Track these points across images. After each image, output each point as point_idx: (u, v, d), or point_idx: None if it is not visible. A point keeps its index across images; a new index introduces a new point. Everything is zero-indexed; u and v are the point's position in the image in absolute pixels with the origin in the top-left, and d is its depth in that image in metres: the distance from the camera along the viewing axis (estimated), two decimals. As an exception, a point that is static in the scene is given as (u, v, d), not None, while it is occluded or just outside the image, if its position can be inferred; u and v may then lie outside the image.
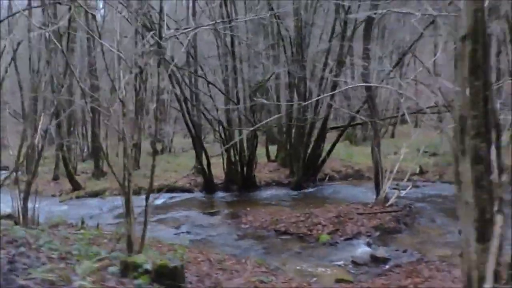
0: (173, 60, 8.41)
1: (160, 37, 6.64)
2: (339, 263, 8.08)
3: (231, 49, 13.68)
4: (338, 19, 13.61)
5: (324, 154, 15.52)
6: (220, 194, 15.41)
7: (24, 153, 10.42)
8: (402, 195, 11.50)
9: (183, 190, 15.92)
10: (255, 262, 7.84)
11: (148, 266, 3.79)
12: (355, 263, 7.97)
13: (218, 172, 16.54)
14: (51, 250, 5.60)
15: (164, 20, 6.67)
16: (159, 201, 14.77)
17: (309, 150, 15.00)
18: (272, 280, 6.66)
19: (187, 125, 15.48)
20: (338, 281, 7.11)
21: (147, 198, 7.07)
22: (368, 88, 11.64)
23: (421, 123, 27.72)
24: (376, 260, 8.06)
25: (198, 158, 15.48)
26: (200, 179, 16.44)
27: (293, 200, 13.65)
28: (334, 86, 13.49)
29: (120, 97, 6.76)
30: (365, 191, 14.27)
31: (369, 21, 11.57)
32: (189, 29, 6.76)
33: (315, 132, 15.41)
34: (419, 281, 6.75)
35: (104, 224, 11.31)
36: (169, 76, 15.11)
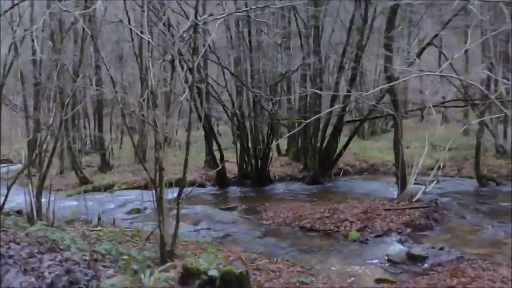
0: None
1: (195, 25, 6.18)
2: (374, 261, 7.69)
3: (248, 39, 13.20)
4: (358, 9, 13.13)
5: (338, 148, 15.11)
6: (233, 188, 14.98)
7: (35, 145, 9.97)
8: (427, 190, 11.11)
9: (194, 184, 15.41)
10: (287, 261, 7.46)
11: (214, 273, 3.34)
12: (392, 262, 7.59)
13: (230, 166, 16.11)
14: (81, 251, 5.18)
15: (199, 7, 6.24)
16: (170, 196, 14.31)
17: (324, 144, 14.57)
18: (312, 281, 6.28)
19: (199, 117, 14.99)
20: (379, 281, 6.73)
21: (179, 194, 6.67)
22: (390, 80, 11.22)
23: (427, 117, 27.53)
24: (413, 258, 7.68)
25: (210, 151, 15.02)
26: (212, 173, 16.02)
27: (311, 195, 13.24)
28: (353, 77, 13.08)
29: (149, 87, 6.33)
30: (384, 186, 13.90)
31: (393, 10, 11.13)
32: (224, 15, 6.30)
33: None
34: (466, 281, 6.38)
35: (118, 219, 10.89)
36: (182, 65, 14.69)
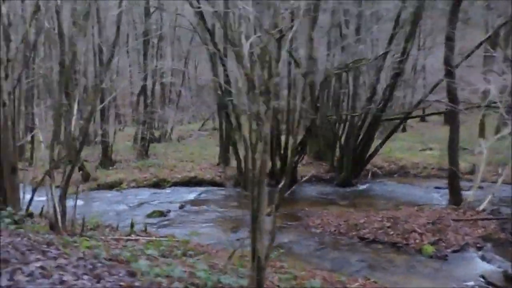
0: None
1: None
2: (470, 283, 6.58)
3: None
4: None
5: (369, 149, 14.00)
6: (256, 189, 13.66)
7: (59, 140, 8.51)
8: (489, 198, 10.06)
9: (212, 183, 14.16)
10: (373, 281, 6.29)
11: None
12: (492, 285, 6.49)
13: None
14: (167, 278, 3.89)
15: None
16: (190, 196, 13.01)
17: (359, 143, 13.44)
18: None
19: (219, 110, 13.67)
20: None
21: (281, 196, 5.25)
22: (449, 74, 10.18)
23: (428, 118, 26.70)
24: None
25: (234, 148, 13.71)
26: (229, 172, 14.71)
27: (347, 199, 12.06)
28: (398, 73, 11.99)
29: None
30: (425, 190, 12.87)
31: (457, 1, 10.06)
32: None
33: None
34: None
35: (140, 223, 9.54)
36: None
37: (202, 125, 31.58)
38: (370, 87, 12.90)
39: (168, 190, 13.71)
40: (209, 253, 6.85)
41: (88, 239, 5.96)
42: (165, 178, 14.40)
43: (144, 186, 14.34)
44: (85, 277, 2.66)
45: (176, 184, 14.14)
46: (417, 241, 8.11)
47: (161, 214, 10.64)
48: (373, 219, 9.27)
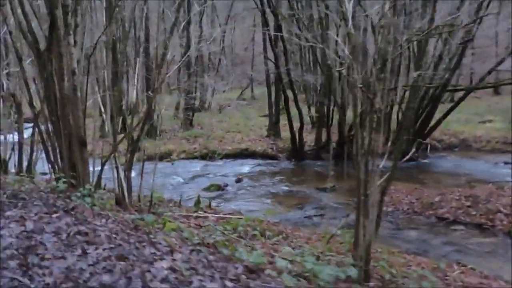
0: None
1: None
2: None
3: None
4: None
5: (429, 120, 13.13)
6: (311, 162, 13.12)
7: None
8: None
9: (264, 156, 13.69)
10: (470, 268, 5.73)
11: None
12: None
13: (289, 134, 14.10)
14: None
15: None
16: (244, 169, 12.62)
17: (422, 115, 12.62)
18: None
19: (281, 83, 12.98)
20: None
21: (392, 171, 4.62)
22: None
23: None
24: None
25: (289, 120, 13.13)
26: (281, 144, 14.20)
27: (411, 175, 11.37)
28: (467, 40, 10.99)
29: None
30: (493, 167, 12.03)
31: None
32: None
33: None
34: None
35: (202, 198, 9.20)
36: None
37: (240, 94, 31.00)
38: (435, 56, 11.95)
39: (219, 162, 13.34)
40: (286, 233, 6.41)
41: (163, 217, 5.61)
42: (215, 150, 14.02)
43: (194, 158, 14.03)
44: (229, 284, 2.20)
45: (227, 156, 13.75)
46: (504, 222, 7.44)
47: (219, 188, 10.27)
48: (449, 197, 8.62)
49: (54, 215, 3.22)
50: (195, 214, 7.09)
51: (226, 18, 27.83)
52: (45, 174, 9.91)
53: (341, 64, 4.57)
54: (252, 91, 30.53)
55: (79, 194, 4.60)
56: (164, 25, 7.65)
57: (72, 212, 3.51)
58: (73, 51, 5.19)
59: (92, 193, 4.88)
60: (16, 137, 9.38)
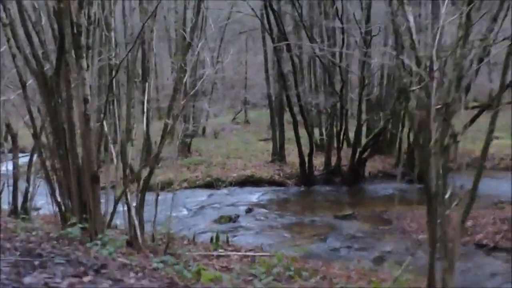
0: None
1: None
2: None
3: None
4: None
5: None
6: (321, 188, 12.51)
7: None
8: None
9: (272, 183, 13.03)
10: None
11: None
12: None
13: (294, 159, 13.55)
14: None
15: None
16: (253, 198, 11.93)
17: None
18: None
19: (289, 106, 12.49)
20: None
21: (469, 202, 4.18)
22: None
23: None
24: None
25: (298, 144, 12.55)
26: (288, 169, 13.59)
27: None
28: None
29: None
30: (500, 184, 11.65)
31: None
32: None
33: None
34: None
35: (208, 232, 8.55)
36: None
37: (234, 118, 30.49)
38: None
39: (225, 191, 12.65)
40: (320, 271, 5.75)
41: (185, 260, 4.94)
42: (219, 178, 13.34)
43: (196, 187, 13.30)
44: None
45: (232, 184, 13.05)
46: (549, 248, 6.89)
47: (230, 219, 9.57)
48: (482, 221, 8.08)
49: (85, 278, 2.55)
50: (215, 253, 6.41)
51: (219, 41, 27.45)
52: (37, 209, 9.07)
53: (410, 82, 4.03)
54: (245, 114, 30.05)
55: (98, 242, 3.91)
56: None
57: (103, 271, 2.83)
58: (86, 76, 4.57)
59: (113, 240, 4.20)
60: (9, 168, 8.42)
